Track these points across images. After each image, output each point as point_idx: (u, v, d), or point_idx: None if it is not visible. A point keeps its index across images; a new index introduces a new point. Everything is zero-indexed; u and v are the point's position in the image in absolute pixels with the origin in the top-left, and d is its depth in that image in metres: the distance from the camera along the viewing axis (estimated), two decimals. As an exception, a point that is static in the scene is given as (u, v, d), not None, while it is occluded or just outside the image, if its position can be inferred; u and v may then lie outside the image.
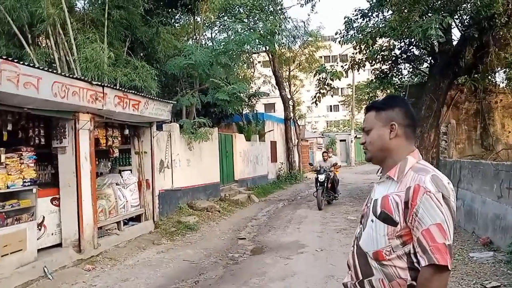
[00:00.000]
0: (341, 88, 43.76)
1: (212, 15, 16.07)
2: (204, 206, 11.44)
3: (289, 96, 24.04)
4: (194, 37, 15.05)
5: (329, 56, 31.83)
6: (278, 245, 8.00)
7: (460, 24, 12.08)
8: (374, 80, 15.40)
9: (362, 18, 12.56)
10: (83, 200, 6.70)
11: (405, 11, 10.54)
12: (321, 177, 12.07)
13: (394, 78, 14.99)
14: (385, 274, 1.65)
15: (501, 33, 11.57)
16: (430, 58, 13.58)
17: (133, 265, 6.80)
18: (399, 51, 14.07)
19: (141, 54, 12.15)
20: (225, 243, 8.35)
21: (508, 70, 13.64)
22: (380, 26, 11.72)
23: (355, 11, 12.84)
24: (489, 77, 13.39)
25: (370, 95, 19.49)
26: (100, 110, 6.86)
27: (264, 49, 18.45)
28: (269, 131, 20.83)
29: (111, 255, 7.09)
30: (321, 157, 14.21)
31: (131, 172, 8.99)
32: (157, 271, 6.42)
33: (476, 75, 12.69)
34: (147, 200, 9.09)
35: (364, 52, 12.91)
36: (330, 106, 54.34)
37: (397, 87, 14.87)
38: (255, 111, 21.25)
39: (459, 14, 11.44)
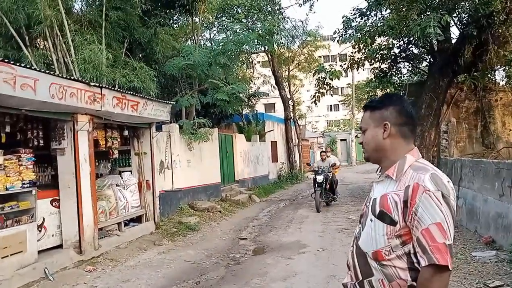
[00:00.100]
0: (341, 88, 43.79)
1: (210, 15, 16.07)
2: (205, 206, 11.42)
3: (289, 96, 24.04)
4: (193, 37, 15.05)
5: (328, 55, 31.76)
6: (279, 245, 7.98)
7: (458, 22, 12.07)
8: (374, 79, 15.39)
9: (360, 17, 12.54)
10: (83, 201, 6.68)
11: (403, 9, 10.54)
12: (319, 178, 11.68)
13: (393, 77, 14.97)
14: (385, 275, 1.63)
15: (500, 31, 11.55)
16: (429, 56, 13.57)
17: (134, 266, 6.78)
18: (398, 50, 14.06)
19: (140, 55, 12.14)
20: (226, 244, 8.32)
21: (507, 68, 13.61)
22: (379, 25, 11.72)
23: (353, 10, 12.83)
24: (489, 75, 13.35)
25: (370, 94, 19.47)
26: (98, 111, 6.84)
27: (263, 49, 18.46)
28: (270, 131, 20.82)
29: (112, 256, 7.07)
30: (319, 157, 13.62)
31: (131, 173, 8.97)
32: (158, 271, 6.41)
33: (475, 73, 12.67)
34: (148, 201, 9.07)
35: (363, 51, 12.89)
36: (330, 105, 54.31)
37: (396, 86, 14.84)
38: (255, 111, 21.24)
39: (457, 12, 11.43)
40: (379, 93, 16.20)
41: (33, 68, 5.72)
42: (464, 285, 4.96)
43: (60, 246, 6.58)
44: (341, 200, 13.29)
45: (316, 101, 13.06)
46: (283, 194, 16.89)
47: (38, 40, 9.91)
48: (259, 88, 23.09)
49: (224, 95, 12.09)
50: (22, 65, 5.35)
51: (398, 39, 13.06)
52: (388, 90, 14.71)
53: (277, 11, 17.95)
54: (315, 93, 13.01)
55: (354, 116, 37.49)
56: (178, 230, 9.13)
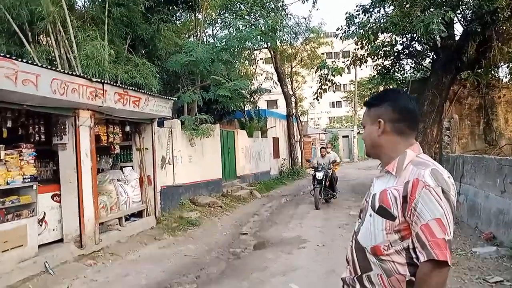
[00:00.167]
0: (344, 84, 43.68)
1: (213, 12, 16.05)
2: (206, 201, 11.45)
3: (291, 93, 24.00)
4: (195, 34, 15.04)
5: (331, 52, 31.74)
6: (280, 240, 8.00)
7: (462, 19, 12.00)
8: (377, 76, 15.36)
9: (363, 14, 12.48)
10: (84, 196, 6.72)
11: (407, 6, 10.49)
12: (319, 175, 11.44)
13: (396, 74, 14.95)
14: (383, 270, 1.63)
15: (504, 27, 11.50)
16: (433, 53, 13.52)
17: (135, 260, 6.82)
18: (401, 46, 14.01)
19: (142, 52, 12.14)
20: (227, 238, 8.35)
21: (511, 65, 13.56)
22: (382, 21, 11.68)
23: (357, 6, 12.79)
24: (492, 72, 13.30)
25: (373, 91, 19.44)
26: (100, 107, 6.86)
27: (265, 45, 18.41)
28: (272, 127, 20.81)
29: (113, 250, 7.10)
30: (320, 153, 13.07)
31: (132, 168, 9.00)
32: (159, 266, 6.43)
33: (479, 70, 12.62)
34: (149, 196, 9.10)
35: (366, 48, 12.86)
36: (333, 102, 54.17)
37: (399, 82, 14.81)
38: (257, 108, 21.21)
39: (461, 9, 11.36)
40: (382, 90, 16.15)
41: (34, 63, 5.74)
42: (464, 281, 4.96)
43: (60, 241, 6.62)
44: (342, 196, 13.28)
45: (318, 98, 13.06)
46: (285, 190, 16.89)
47: (41, 36, 9.93)
48: (261, 84, 23.07)
49: (226, 91, 12.08)
50: (24, 60, 5.36)
51: (401, 36, 13.02)
52: (391, 86, 14.70)
53: (280, 8, 17.86)
54: (318, 89, 13.00)
55: (356, 113, 37.43)
56: (179, 225, 9.16)
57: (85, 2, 11.34)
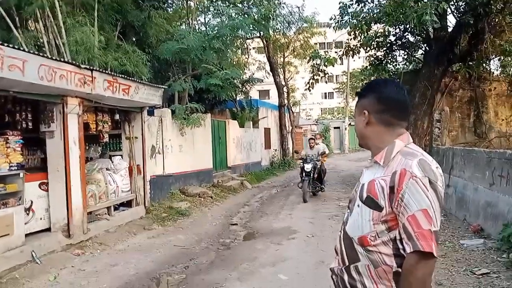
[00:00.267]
0: (336, 75, 43.69)
1: (205, -1, 15.82)
2: (196, 192, 11.41)
3: (283, 83, 23.94)
4: (187, 21, 14.84)
5: (324, 43, 31.63)
6: (270, 231, 8.00)
7: (455, 10, 11.98)
8: (369, 67, 15.33)
9: (357, 4, 12.40)
10: (72, 185, 6.62)
11: (400, -4, 10.42)
12: (308, 167, 11.09)
13: (388, 65, 14.94)
14: (370, 260, 1.62)
15: (496, 19, 11.52)
16: (425, 45, 13.51)
17: (123, 250, 6.77)
18: (394, 37, 13.99)
19: (133, 39, 11.96)
20: (216, 229, 8.33)
21: (502, 58, 13.61)
22: (375, 11, 11.61)
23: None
24: (484, 64, 13.35)
25: (365, 82, 19.42)
26: (89, 94, 6.74)
27: (258, 34, 18.28)
28: (263, 117, 20.76)
29: (101, 240, 7.05)
30: (308, 144, 12.54)
31: (121, 157, 8.90)
32: (147, 256, 6.39)
33: (470, 63, 12.66)
34: (138, 186, 9.03)
35: (359, 38, 12.82)
36: (325, 93, 54.20)
37: (391, 74, 14.81)
38: (249, 98, 21.12)
39: (454, 0, 11.34)
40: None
41: (21, 48, 5.60)
42: (451, 272, 4.99)
43: (48, 230, 6.54)
44: (332, 187, 13.32)
45: (310, 88, 13.02)
46: (275, 180, 16.92)
47: (29, 21, 9.71)
48: (253, 74, 22.93)
49: (218, 80, 11.98)
50: (10, 45, 5.23)
51: (394, 27, 12.98)
52: (383, 77, 14.68)
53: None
54: (310, 79, 12.96)
55: (348, 104, 37.46)
56: (169, 215, 9.12)
57: (74, -14, 11.09)
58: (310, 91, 13.49)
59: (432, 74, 12.07)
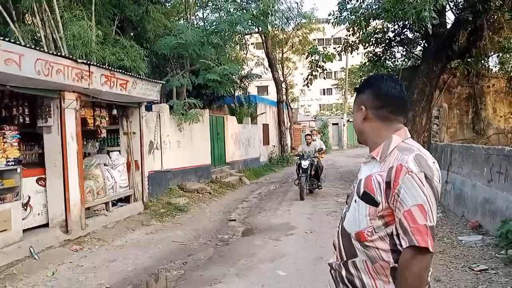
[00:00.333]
0: (335, 72, 43.57)
1: (204, -6, 15.73)
2: (195, 187, 11.39)
3: (282, 79, 23.91)
4: (185, 16, 14.77)
5: (323, 39, 31.54)
6: (268, 226, 7.99)
7: (454, 7, 11.97)
8: (367, 63, 15.31)
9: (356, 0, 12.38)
10: (69, 180, 6.60)
11: (400, -8, 10.38)
12: (305, 164, 10.88)
13: (387, 61, 14.93)
14: (368, 256, 1.62)
15: (495, 16, 11.49)
16: (424, 41, 13.49)
17: (121, 245, 6.76)
18: (393, 34, 13.97)
19: (131, 34, 11.89)
20: (215, 225, 8.32)
21: (501, 55, 13.60)
22: (374, 7, 11.58)
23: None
24: (482, 61, 13.35)
25: (363, 78, 19.38)
26: (86, 89, 6.70)
27: (257, 30, 18.21)
28: (262, 113, 20.71)
29: (99, 235, 7.03)
30: (305, 141, 12.26)
31: (119, 153, 8.87)
32: (146, 252, 6.38)
33: (469, 59, 12.65)
34: (136, 181, 9.00)
35: (358, 34, 12.78)
36: (323, 89, 54.12)
37: (390, 70, 14.78)
38: (247, 93, 21.08)
39: (454, -4, 11.32)
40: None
41: (18, 43, 5.56)
42: (449, 269, 4.99)
43: (46, 225, 6.52)
44: (330, 183, 13.32)
45: (309, 84, 12.99)
46: (274, 176, 16.91)
47: (26, 15, 9.64)
48: (252, 69, 22.86)
49: (216, 76, 11.92)
50: (7, 39, 5.18)
51: (393, 23, 12.95)
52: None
53: (272, -8, 17.65)
54: (308, 75, 12.92)
55: (347, 100, 37.45)
56: (167, 211, 9.11)
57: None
58: (308, 87, 13.48)
59: (430, 71, 12.05)
